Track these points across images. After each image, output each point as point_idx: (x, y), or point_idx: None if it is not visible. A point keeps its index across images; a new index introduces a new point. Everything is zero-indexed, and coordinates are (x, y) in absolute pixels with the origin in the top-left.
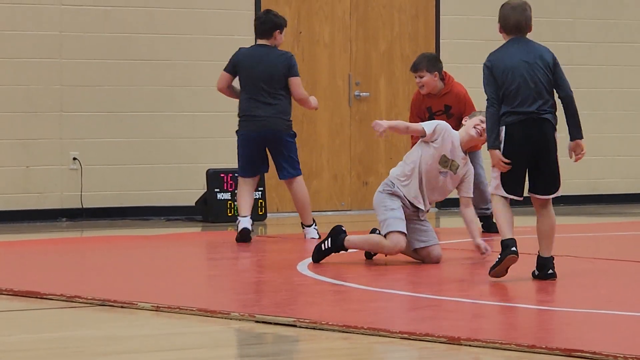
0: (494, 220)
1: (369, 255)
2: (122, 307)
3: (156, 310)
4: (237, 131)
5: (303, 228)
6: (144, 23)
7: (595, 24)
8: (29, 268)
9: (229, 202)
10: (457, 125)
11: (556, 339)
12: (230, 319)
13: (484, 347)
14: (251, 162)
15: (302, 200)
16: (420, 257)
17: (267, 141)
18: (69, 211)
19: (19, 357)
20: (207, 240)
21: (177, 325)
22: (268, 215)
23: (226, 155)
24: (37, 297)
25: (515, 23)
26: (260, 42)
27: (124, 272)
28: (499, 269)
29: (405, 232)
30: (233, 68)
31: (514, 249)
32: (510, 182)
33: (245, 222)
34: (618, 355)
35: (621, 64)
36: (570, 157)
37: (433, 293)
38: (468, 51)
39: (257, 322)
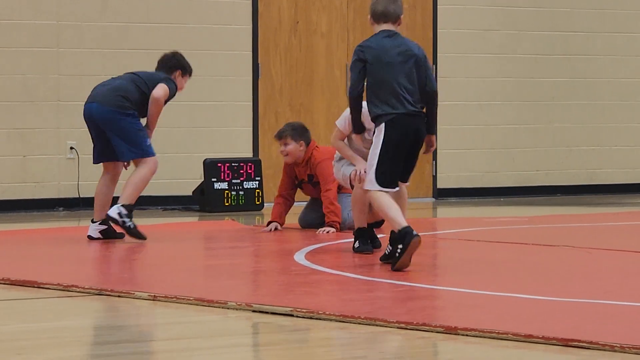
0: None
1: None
2: (119, 296)
3: (153, 300)
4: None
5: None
6: (141, 12)
7: (592, 14)
8: (26, 257)
9: (226, 191)
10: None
11: (553, 328)
12: (228, 308)
13: (480, 336)
14: None
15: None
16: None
17: None
18: (66, 201)
19: (16, 346)
20: (204, 230)
21: (174, 314)
22: (265, 205)
23: (223, 145)
24: (33, 287)
25: (383, 10)
26: None
27: (121, 261)
28: (404, 259)
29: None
30: None
31: (415, 232)
32: (392, 175)
33: None
34: (615, 345)
35: (619, 54)
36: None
37: (430, 283)
38: (465, 41)
39: (254, 311)
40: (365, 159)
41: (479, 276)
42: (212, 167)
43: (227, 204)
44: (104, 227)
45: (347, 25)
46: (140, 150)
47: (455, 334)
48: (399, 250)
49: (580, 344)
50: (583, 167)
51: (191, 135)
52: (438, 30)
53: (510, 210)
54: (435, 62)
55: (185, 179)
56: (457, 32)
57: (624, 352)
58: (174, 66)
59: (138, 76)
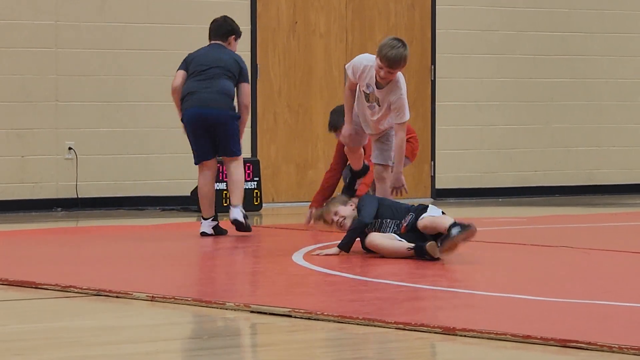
0: None
1: None
2: (117, 297)
3: (151, 300)
4: None
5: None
6: (139, 13)
7: (591, 14)
8: (24, 258)
9: (224, 192)
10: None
11: (551, 329)
12: (226, 309)
13: (479, 337)
14: None
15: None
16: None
17: None
18: (64, 201)
19: (14, 347)
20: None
21: (172, 315)
22: (263, 205)
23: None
24: (32, 287)
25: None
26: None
27: (119, 262)
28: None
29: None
30: None
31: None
32: None
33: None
34: (613, 345)
35: (617, 55)
36: None
37: (428, 283)
38: (464, 41)
39: (252, 312)
40: (361, 127)
41: (478, 277)
42: None
43: (225, 205)
44: (215, 222)
45: (346, 26)
46: (240, 148)
47: (454, 335)
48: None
49: (579, 344)
50: (581, 168)
51: None
52: (437, 31)
53: (508, 211)
54: (433, 62)
55: (183, 180)
56: (455, 32)
57: (622, 353)
58: (228, 32)
59: (227, 69)
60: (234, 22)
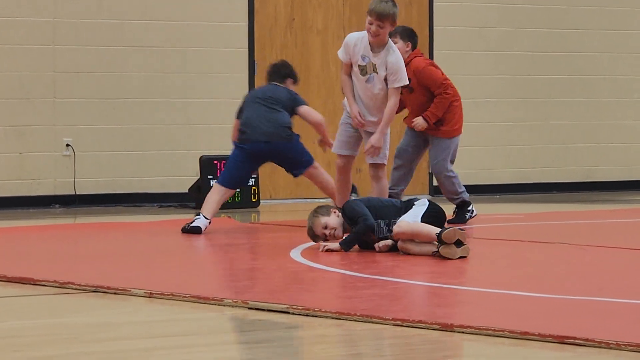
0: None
1: None
2: (115, 293)
3: (149, 297)
4: None
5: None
6: (137, 10)
7: (589, 11)
8: (22, 254)
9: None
10: (421, 101)
11: (549, 325)
12: (224, 305)
13: (476, 334)
14: None
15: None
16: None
17: None
18: (62, 198)
19: (12, 343)
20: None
21: (171, 311)
22: (261, 202)
23: (219, 142)
24: (30, 284)
25: None
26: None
27: (117, 258)
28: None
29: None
30: None
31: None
32: None
33: None
34: (611, 342)
35: (615, 51)
36: None
37: (426, 280)
38: (462, 38)
39: (250, 308)
40: (353, 136)
41: (476, 273)
42: (208, 164)
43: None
44: (207, 221)
45: (343, 23)
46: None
47: (452, 331)
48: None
49: (576, 341)
50: (579, 164)
51: (187, 132)
52: (434, 28)
53: (506, 207)
54: (431, 59)
55: (181, 176)
56: (453, 29)
57: (620, 350)
58: (286, 75)
59: (280, 101)
60: (292, 66)
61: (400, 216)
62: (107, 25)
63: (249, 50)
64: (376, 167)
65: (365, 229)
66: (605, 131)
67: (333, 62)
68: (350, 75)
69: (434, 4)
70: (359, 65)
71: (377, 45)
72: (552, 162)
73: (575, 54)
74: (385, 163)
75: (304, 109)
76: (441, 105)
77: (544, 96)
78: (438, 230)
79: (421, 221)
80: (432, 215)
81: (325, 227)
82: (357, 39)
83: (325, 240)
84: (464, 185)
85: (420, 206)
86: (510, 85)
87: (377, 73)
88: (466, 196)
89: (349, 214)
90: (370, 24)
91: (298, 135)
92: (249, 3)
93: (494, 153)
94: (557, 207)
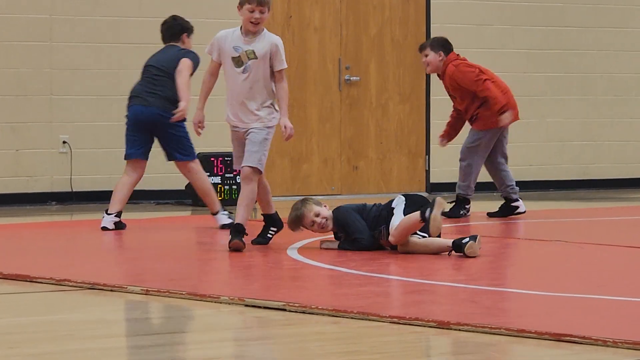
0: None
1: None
2: (111, 290)
3: (146, 294)
4: None
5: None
6: (133, 7)
7: (585, 9)
8: (18, 251)
9: (219, 186)
10: (467, 104)
11: (546, 323)
12: (220, 302)
13: (473, 331)
14: None
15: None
16: None
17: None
18: (59, 195)
19: (8, 340)
20: (196, 224)
21: (167, 309)
22: None
23: (216, 139)
24: (26, 281)
25: None
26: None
27: (114, 255)
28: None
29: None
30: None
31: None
32: None
33: None
34: (608, 339)
35: (611, 49)
36: None
37: (423, 277)
38: (459, 36)
39: (246, 306)
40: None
41: (472, 270)
42: (205, 162)
43: (220, 198)
44: (117, 219)
45: (340, 20)
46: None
47: (448, 329)
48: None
49: (573, 338)
50: (576, 162)
51: None
52: (431, 25)
53: None
54: None
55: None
56: (450, 26)
57: (617, 347)
58: (179, 32)
59: (163, 71)
60: (183, 19)
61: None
62: (103, 22)
63: None
64: (251, 170)
65: (360, 249)
66: (602, 129)
67: (330, 59)
68: (214, 75)
69: (431, 1)
70: (232, 58)
71: (256, 33)
72: (548, 159)
73: (572, 52)
74: (262, 169)
75: (182, 64)
76: (492, 99)
77: (540, 94)
78: (449, 242)
79: (406, 213)
80: (413, 204)
81: (317, 215)
82: (227, 34)
83: (312, 229)
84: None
85: (399, 205)
86: (507, 83)
87: (255, 58)
88: (468, 195)
89: (342, 223)
90: (252, 11)
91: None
92: None
93: None
94: (554, 204)
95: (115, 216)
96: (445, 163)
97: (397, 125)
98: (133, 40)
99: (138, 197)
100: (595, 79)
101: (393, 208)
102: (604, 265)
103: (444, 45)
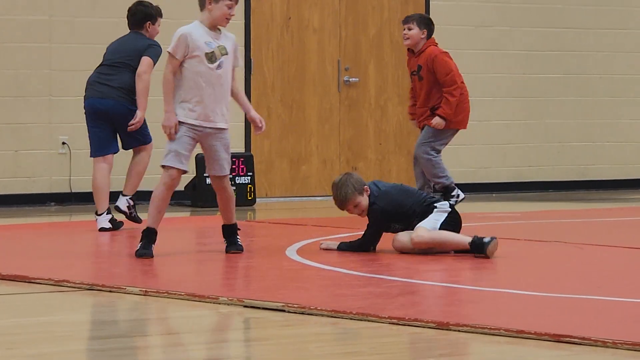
0: None
1: None
2: (110, 291)
3: (144, 295)
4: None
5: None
6: None
7: (584, 10)
8: (17, 252)
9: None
10: (427, 90)
11: (545, 324)
12: (219, 303)
13: (472, 332)
14: None
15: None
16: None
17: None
18: (58, 195)
19: (7, 341)
20: (195, 225)
21: (166, 310)
22: (257, 200)
23: None
24: (25, 281)
25: None
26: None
27: (112, 256)
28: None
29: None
30: None
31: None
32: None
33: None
34: (607, 340)
35: (610, 50)
36: None
37: (422, 278)
38: (457, 37)
39: (245, 306)
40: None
41: (471, 272)
42: (204, 163)
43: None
44: (110, 216)
45: (339, 21)
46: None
47: (447, 330)
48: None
49: (572, 339)
50: (575, 163)
51: None
52: None
53: (502, 206)
54: None
55: None
56: (449, 27)
57: (616, 348)
58: (142, 20)
59: (132, 63)
60: (148, 5)
61: (418, 220)
62: (103, 24)
63: (245, 49)
64: (221, 179)
65: (359, 250)
66: (601, 130)
67: (329, 60)
68: (175, 74)
69: (430, 2)
70: (205, 54)
71: (221, 28)
72: (547, 160)
73: (571, 53)
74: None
75: (142, 65)
76: (452, 99)
77: (539, 95)
78: (468, 239)
79: (441, 227)
80: (450, 223)
81: (356, 207)
82: (191, 29)
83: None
84: (461, 184)
85: (441, 213)
86: (506, 84)
87: (227, 54)
88: (448, 181)
89: (370, 220)
90: (230, 7)
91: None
92: (245, 2)
93: (489, 152)
94: (553, 205)
95: (107, 214)
96: (445, 164)
97: (396, 126)
98: None
99: (137, 198)
100: (594, 80)
101: (434, 207)
102: (603, 266)
103: (428, 25)
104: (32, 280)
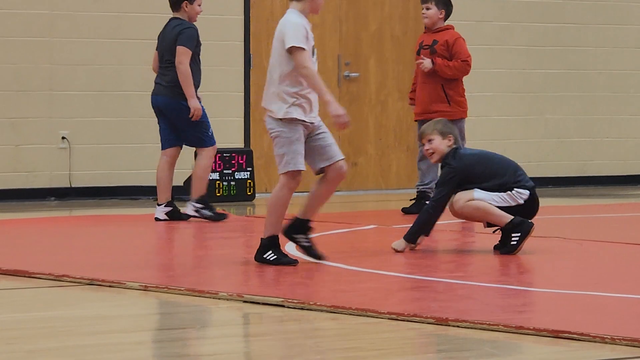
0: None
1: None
2: (110, 286)
3: (144, 290)
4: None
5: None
6: (133, 2)
7: (584, 5)
8: (17, 247)
9: (217, 182)
10: (432, 72)
11: (544, 320)
12: (219, 299)
13: (471, 328)
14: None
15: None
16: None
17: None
18: (58, 190)
19: (6, 336)
20: (195, 220)
21: (166, 305)
22: (257, 195)
23: (215, 135)
24: (25, 276)
25: None
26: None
27: (113, 251)
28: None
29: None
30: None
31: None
32: None
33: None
34: (605, 336)
35: (610, 46)
36: None
37: (421, 274)
38: (458, 32)
39: (245, 302)
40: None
41: (470, 267)
42: None
43: (218, 195)
44: (169, 208)
45: (340, 16)
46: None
47: (447, 325)
48: (516, 239)
49: (571, 335)
50: (574, 159)
51: None
52: None
53: None
54: None
55: (176, 169)
56: (449, 22)
57: (615, 344)
58: (176, 1)
59: (169, 60)
60: None
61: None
62: (103, 18)
63: (244, 44)
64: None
65: (428, 219)
66: (601, 126)
67: (330, 56)
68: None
69: None
70: (312, 46)
71: None
72: (547, 156)
73: (571, 49)
74: None
75: (178, 55)
76: (456, 69)
77: (539, 91)
78: (510, 217)
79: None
80: (527, 208)
81: (430, 142)
82: (302, 20)
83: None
84: None
85: (506, 198)
86: (506, 79)
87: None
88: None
89: (441, 177)
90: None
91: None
92: None
93: (489, 147)
94: (553, 201)
95: (166, 205)
96: None
97: (396, 122)
98: (133, 36)
99: (137, 193)
100: (594, 76)
101: (509, 189)
102: (603, 262)
103: (447, 5)
104: (32, 275)
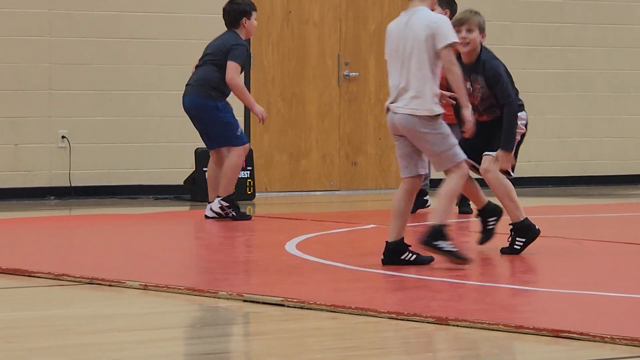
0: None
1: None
2: (110, 285)
3: (144, 289)
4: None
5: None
6: (133, 1)
7: (584, 5)
8: (17, 246)
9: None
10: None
11: (543, 319)
12: (219, 298)
13: (471, 327)
14: None
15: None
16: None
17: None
18: (58, 189)
19: (6, 335)
20: (195, 219)
21: (165, 304)
22: (256, 194)
23: None
24: (24, 275)
25: None
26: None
27: (112, 250)
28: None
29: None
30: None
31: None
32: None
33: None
34: (605, 336)
35: (611, 45)
36: None
37: (421, 273)
38: None
39: (245, 301)
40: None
41: (470, 267)
42: (203, 157)
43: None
44: (219, 205)
45: (340, 15)
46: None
47: (446, 325)
48: (520, 244)
49: (571, 334)
50: (574, 158)
51: (183, 124)
52: None
53: None
54: None
55: (176, 169)
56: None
57: (614, 344)
58: (237, 18)
59: (214, 59)
60: (240, 2)
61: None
62: (103, 17)
63: None
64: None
65: (515, 122)
66: (601, 125)
67: (329, 54)
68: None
69: None
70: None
71: None
72: (547, 155)
73: (571, 48)
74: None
75: (229, 71)
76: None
77: (539, 90)
78: (523, 216)
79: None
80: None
81: (470, 32)
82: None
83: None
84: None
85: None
86: None
87: None
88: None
89: (494, 80)
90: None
91: (225, 103)
92: None
93: None
94: (552, 201)
95: (223, 200)
96: None
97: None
98: (132, 35)
99: (136, 192)
100: (594, 76)
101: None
102: (602, 262)
103: (450, 5)
104: (32, 274)
